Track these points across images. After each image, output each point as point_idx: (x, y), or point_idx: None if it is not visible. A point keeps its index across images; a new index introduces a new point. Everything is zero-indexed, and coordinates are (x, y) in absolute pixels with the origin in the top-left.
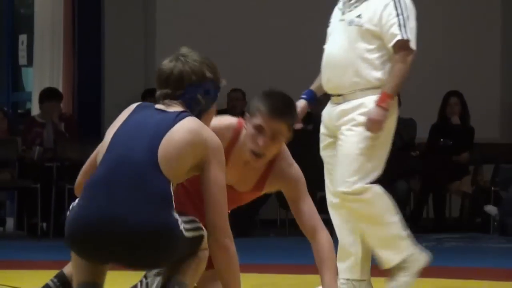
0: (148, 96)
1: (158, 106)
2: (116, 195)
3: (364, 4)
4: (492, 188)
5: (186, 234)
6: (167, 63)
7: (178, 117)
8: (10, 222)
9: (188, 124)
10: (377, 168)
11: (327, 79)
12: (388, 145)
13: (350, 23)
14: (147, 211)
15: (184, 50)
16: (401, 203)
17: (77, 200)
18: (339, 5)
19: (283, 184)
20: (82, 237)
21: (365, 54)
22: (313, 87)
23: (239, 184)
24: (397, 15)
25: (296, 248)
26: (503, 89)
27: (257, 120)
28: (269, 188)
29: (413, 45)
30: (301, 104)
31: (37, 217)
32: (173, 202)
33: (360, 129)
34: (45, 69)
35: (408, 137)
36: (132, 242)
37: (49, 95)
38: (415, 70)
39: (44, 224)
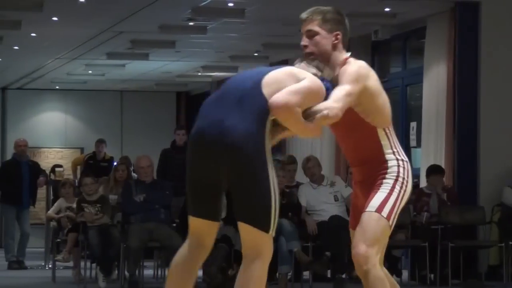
0: None
1: None
2: (223, 107)
3: None
4: None
5: (269, 165)
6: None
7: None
8: (405, 274)
9: (290, 67)
10: None
11: None
12: None
13: None
14: (246, 120)
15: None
16: None
17: None
18: None
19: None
20: (200, 141)
21: None
22: None
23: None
24: None
25: None
26: None
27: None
28: None
29: None
30: None
31: (426, 270)
32: (268, 121)
33: None
34: (430, 149)
35: None
36: (234, 143)
37: (434, 170)
38: None
39: (432, 275)
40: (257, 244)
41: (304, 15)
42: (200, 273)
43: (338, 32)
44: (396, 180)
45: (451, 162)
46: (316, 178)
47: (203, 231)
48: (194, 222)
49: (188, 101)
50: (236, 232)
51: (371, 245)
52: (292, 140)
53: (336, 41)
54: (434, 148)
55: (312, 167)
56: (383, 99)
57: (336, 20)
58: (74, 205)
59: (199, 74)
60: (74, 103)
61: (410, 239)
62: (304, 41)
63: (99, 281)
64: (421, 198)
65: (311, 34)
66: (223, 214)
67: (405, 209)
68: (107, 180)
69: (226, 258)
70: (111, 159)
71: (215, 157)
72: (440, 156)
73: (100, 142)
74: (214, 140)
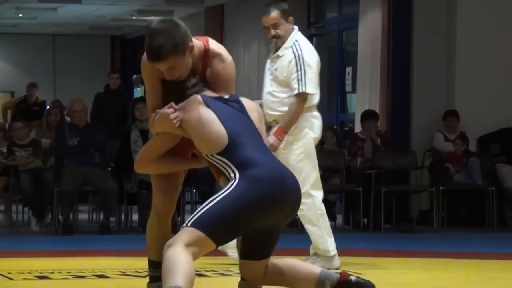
0: (447, 115)
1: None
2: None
3: (279, 60)
4: None
5: None
6: None
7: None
8: (339, 218)
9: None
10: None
11: (266, 110)
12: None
13: (271, 74)
14: None
15: None
16: None
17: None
18: (270, 56)
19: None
20: (278, 190)
21: (277, 95)
22: None
23: None
24: (297, 70)
25: None
26: None
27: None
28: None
29: (309, 90)
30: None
31: (360, 214)
32: None
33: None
34: (365, 94)
35: None
36: (298, 188)
37: (368, 116)
38: None
39: (365, 220)
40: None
41: (153, 54)
42: (136, 217)
43: (191, 45)
44: None
45: (385, 107)
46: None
47: None
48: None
49: (122, 45)
50: None
51: None
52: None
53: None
54: (369, 94)
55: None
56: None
57: (183, 40)
58: (4, 149)
59: (134, 18)
60: (3, 46)
61: (345, 184)
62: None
63: (32, 225)
64: (356, 143)
65: (172, 69)
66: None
67: (339, 154)
68: (39, 124)
69: None
70: (43, 103)
71: (287, 211)
72: (374, 102)
73: (31, 86)
74: (294, 199)
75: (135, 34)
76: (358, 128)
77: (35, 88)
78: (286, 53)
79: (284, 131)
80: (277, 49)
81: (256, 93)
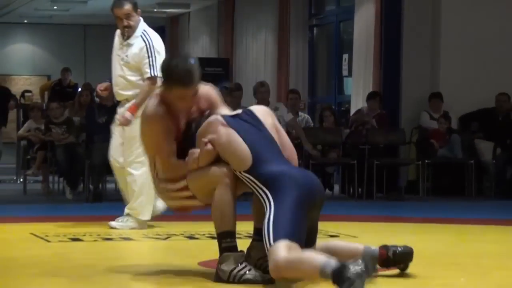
0: (432, 97)
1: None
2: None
3: (130, 48)
4: None
5: None
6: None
7: None
8: (336, 188)
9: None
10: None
11: (118, 90)
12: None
13: (122, 59)
14: None
15: None
16: None
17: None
18: (117, 40)
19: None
20: (310, 190)
21: (129, 78)
22: None
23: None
24: (148, 56)
25: None
26: None
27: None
28: None
29: (160, 74)
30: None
31: (355, 184)
32: None
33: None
34: (360, 78)
35: None
36: (322, 187)
37: (370, 96)
38: None
39: (359, 189)
40: None
41: (188, 78)
42: None
43: None
44: None
45: (378, 89)
46: (265, 103)
47: None
48: None
49: None
50: None
51: None
52: (238, 68)
53: None
54: (363, 77)
55: (264, 92)
56: None
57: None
58: (42, 127)
59: (155, 10)
60: (41, 35)
61: (341, 158)
62: None
63: (66, 193)
64: (357, 117)
65: (194, 96)
66: None
67: (336, 131)
68: (72, 104)
69: None
70: (75, 85)
71: (319, 205)
72: (368, 84)
73: (65, 70)
74: (321, 196)
75: (155, 24)
76: (353, 108)
77: (69, 72)
78: (136, 41)
79: (137, 107)
80: (128, 37)
81: (263, 78)
